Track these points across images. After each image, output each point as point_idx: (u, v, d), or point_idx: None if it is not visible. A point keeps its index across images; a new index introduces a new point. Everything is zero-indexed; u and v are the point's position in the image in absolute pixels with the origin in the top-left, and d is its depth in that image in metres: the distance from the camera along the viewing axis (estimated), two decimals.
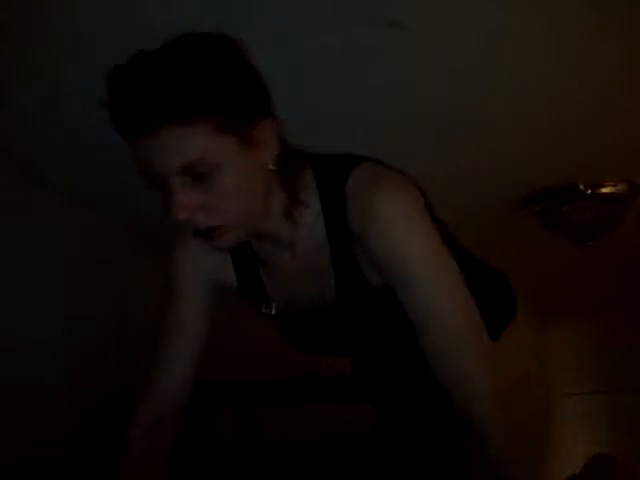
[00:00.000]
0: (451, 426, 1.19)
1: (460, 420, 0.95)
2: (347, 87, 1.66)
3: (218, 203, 0.87)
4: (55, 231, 2.01)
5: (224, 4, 1.31)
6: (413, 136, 1.93)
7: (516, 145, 2.03)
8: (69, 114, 1.67)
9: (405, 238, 0.90)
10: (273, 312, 1.08)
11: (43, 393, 1.86)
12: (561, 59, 1.57)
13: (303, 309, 1.05)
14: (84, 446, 1.86)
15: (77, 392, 1.99)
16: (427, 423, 1.25)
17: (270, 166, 0.92)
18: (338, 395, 2.09)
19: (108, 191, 2.10)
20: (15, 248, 1.85)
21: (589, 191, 2.31)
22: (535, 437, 1.07)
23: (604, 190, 2.31)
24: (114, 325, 2.19)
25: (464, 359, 0.91)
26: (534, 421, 1.08)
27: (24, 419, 1.77)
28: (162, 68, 0.81)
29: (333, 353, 1.14)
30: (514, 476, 0.92)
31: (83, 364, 2.06)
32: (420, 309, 0.92)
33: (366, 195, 0.91)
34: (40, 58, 1.43)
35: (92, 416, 1.97)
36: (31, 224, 1.93)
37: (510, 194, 2.40)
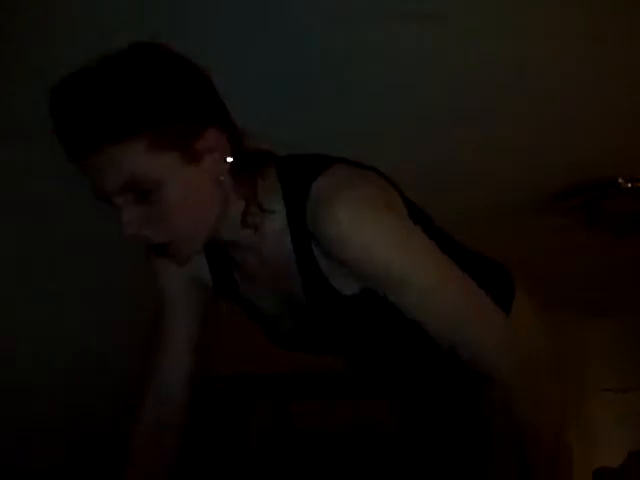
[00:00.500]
0: (455, 418, 1.20)
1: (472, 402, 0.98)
2: (362, 85, 1.66)
3: (164, 219, 0.86)
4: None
5: None
6: (446, 130, 1.92)
7: (551, 138, 2.00)
8: None
9: (366, 241, 0.88)
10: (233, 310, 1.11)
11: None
12: (594, 50, 1.55)
13: (281, 307, 1.05)
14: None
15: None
16: (429, 416, 1.26)
17: (221, 177, 0.89)
18: (373, 390, 2.08)
19: None
20: None
21: (629, 185, 2.27)
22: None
23: None
24: None
25: (471, 328, 0.92)
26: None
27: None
28: (87, 90, 0.81)
29: (313, 351, 1.15)
30: (536, 438, 0.93)
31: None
32: (411, 306, 0.91)
33: (323, 199, 0.88)
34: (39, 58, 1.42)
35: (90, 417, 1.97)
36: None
37: (547, 189, 2.36)
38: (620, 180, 2.27)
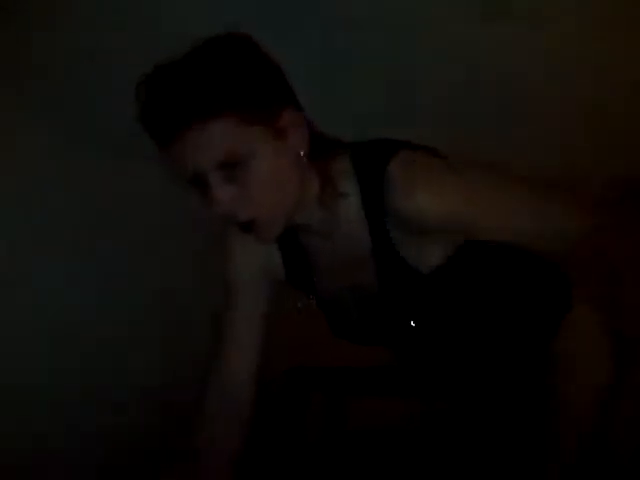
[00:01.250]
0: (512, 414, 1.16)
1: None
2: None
3: (253, 193, 0.89)
4: None
5: None
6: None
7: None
8: None
9: (446, 203, 0.91)
10: (314, 302, 1.10)
11: None
12: None
13: (346, 298, 1.06)
14: None
15: None
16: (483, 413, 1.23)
17: (302, 152, 0.93)
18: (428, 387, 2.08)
19: None
20: None
21: None
22: None
23: None
24: None
25: (557, 221, 0.90)
26: None
27: None
28: (179, 75, 0.86)
29: (376, 343, 1.12)
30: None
31: None
32: (498, 234, 0.92)
33: (401, 180, 0.91)
34: None
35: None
36: None
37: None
38: None
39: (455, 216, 0.91)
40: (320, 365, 2.07)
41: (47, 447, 1.59)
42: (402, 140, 0.98)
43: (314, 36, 1.48)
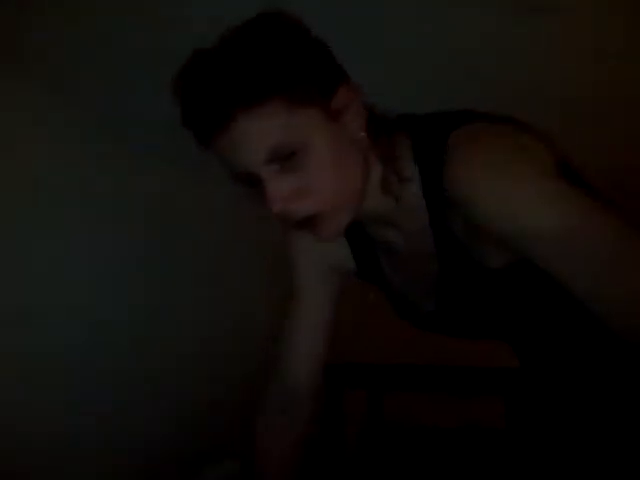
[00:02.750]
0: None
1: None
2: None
3: (312, 184, 0.80)
4: None
5: None
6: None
7: None
8: None
9: (511, 193, 0.74)
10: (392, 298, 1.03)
11: None
12: None
13: (414, 292, 0.98)
14: None
15: None
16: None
17: (361, 133, 0.84)
18: (469, 385, 2.07)
19: None
20: None
21: None
22: None
23: None
24: None
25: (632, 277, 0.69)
26: None
27: None
28: (216, 62, 0.78)
29: (454, 335, 1.05)
30: None
31: None
32: (558, 265, 0.73)
33: (460, 160, 0.78)
34: None
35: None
36: None
37: None
38: None
39: (513, 222, 0.74)
40: (356, 361, 2.07)
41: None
42: (479, 111, 0.84)
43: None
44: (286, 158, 0.78)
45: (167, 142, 1.70)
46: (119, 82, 1.50)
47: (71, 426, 1.52)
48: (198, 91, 0.77)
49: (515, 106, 1.74)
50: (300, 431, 1.07)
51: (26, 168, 1.48)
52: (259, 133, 0.76)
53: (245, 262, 2.19)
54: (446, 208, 0.82)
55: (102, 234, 1.68)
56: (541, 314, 0.93)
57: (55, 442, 1.46)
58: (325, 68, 0.82)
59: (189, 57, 0.79)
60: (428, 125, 0.85)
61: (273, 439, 1.06)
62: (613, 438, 0.97)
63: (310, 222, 0.82)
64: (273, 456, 1.05)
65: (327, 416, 2.02)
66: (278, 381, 1.07)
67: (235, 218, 2.11)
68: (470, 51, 1.53)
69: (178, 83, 0.79)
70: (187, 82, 0.79)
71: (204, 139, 0.79)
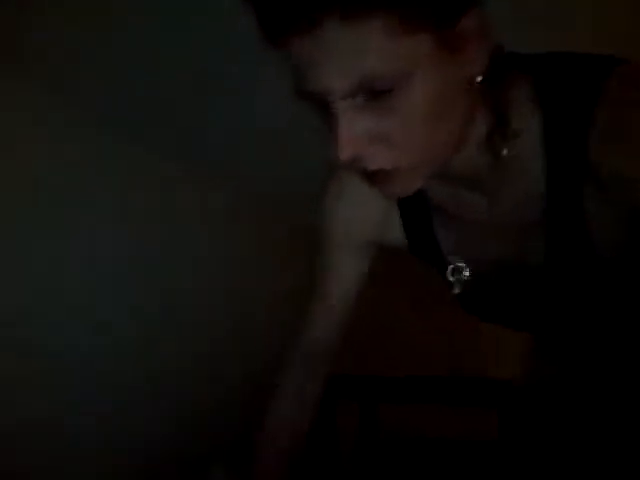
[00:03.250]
0: None
1: None
2: None
3: (401, 133, 0.62)
4: None
5: None
6: None
7: None
8: None
9: None
10: (464, 277, 0.83)
11: None
12: None
13: (494, 272, 0.82)
14: None
15: None
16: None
17: (479, 78, 0.65)
18: (463, 397, 2.05)
19: None
20: None
21: None
22: None
23: None
24: None
25: None
26: None
27: None
28: None
29: (526, 329, 0.94)
30: None
31: None
32: None
33: (627, 126, 0.61)
34: None
35: None
36: None
37: None
38: None
39: None
40: (349, 373, 2.00)
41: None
42: (611, 57, 0.66)
43: None
44: (375, 94, 0.59)
45: (167, 142, 1.71)
46: (119, 82, 1.50)
47: (71, 426, 1.52)
48: None
49: None
50: (314, 398, 0.97)
51: (26, 168, 1.48)
52: (351, 53, 0.57)
53: (245, 262, 2.18)
54: (582, 176, 0.66)
55: (102, 234, 1.68)
56: (616, 315, 0.81)
57: (55, 442, 1.46)
58: None
59: None
60: (566, 69, 0.68)
61: (283, 415, 0.96)
62: (615, 454, 0.92)
63: (380, 175, 0.66)
64: (278, 439, 0.96)
65: (320, 428, 1.99)
66: (299, 349, 0.96)
67: (235, 218, 2.11)
68: None
69: None
70: None
71: (275, 33, 0.59)
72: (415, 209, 0.84)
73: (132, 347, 1.74)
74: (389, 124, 0.61)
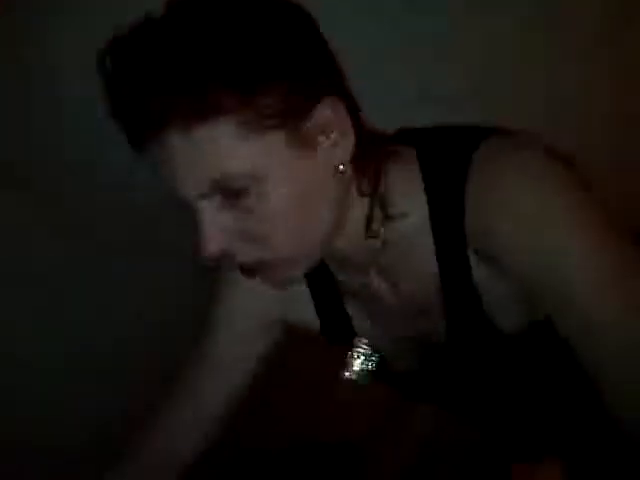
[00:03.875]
0: None
1: None
2: None
3: (263, 231, 0.60)
4: None
5: None
6: None
7: None
8: None
9: (556, 231, 0.57)
10: (374, 359, 0.80)
11: None
12: None
13: (392, 349, 0.80)
14: None
15: None
16: None
17: (342, 167, 0.62)
18: None
19: None
20: None
21: None
22: None
23: None
24: None
25: None
26: None
27: None
28: (155, 45, 0.56)
29: (430, 400, 0.90)
30: None
31: None
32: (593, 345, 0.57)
33: (492, 184, 0.60)
34: None
35: None
36: None
37: None
38: None
39: (548, 257, 0.57)
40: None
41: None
42: (495, 127, 0.66)
43: None
44: (232, 193, 0.58)
45: None
46: None
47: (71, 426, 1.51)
48: (129, 76, 0.56)
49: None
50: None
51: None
52: (199, 159, 0.56)
53: None
54: (466, 247, 0.65)
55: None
56: (540, 391, 0.78)
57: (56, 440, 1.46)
58: (310, 70, 0.59)
59: (129, 29, 0.58)
60: (444, 145, 0.66)
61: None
62: None
63: (255, 268, 0.64)
64: None
65: None
66: (153, 448, 0.84)
67: None
68: None
69: (109, 60, 0.58)
70: (113, 71, 0.58)
71: (132, 143, 0.60)
72: (325, 288, 0.81)
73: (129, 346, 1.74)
74: (250, 222, 0.60)
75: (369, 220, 0.68)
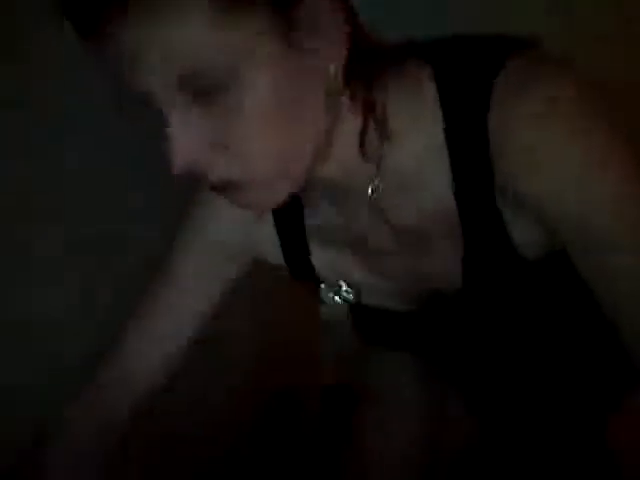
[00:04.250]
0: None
1: None
2: None
3: (239, 139, 0.52)
4: None
5: None
6: None
7: None
8: None
9: (582, 158, 0.53)
10: (351, 300, 0.72)
11: None
12: None
13: (386, 292, 0.71)
14: None
15: None
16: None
17: (332, 69, 0.54)
18: None
19: None
20: None
21: None
22: None
23: None
24: None
25: None
26: None
27: None
28: None
29: (422, 353, 0.83)
30: None
31: None
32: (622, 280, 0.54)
33: (518, 98, 0.54)
34: None
35: None
36: None
37: None
38: None
39: (576, 185, 0.53)
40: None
41: None
42: (503, 36, 0.58)
43: None
44: (205, 92, 0.50)
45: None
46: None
47: None
48: None
49: None
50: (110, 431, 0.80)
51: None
52: (166, 45, 0.47)
53: None
54: (490, 173, 0.57)
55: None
56: (546, 331, 0.73)
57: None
58: None
59: None
60: (465, 55, 0.58)
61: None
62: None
63: (228, 187, 0.55)
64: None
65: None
66: (111, 367, 0.80)
67: None
68: None
69: None
70: None
71: (85, 31, 0.50)
72: (294, 233, 0.73)
73: None
74: (226, 129, 0.51)
75: (362, 138, 0.59)
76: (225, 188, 0.56)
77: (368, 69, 0.57)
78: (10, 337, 1.44)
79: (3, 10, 1.27)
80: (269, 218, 0.74)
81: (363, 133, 0.59)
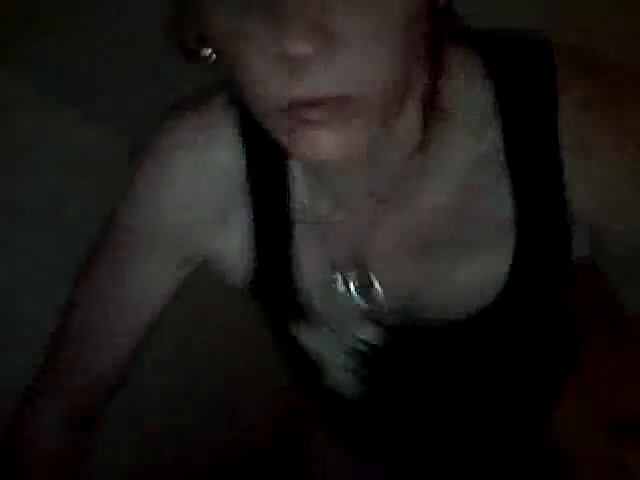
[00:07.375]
0: None
1: None
2: None
3: (359, 39, 0.41)
4: None
5: None
6: None
7: None
8: None
9: None
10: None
11: None
12: None
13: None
14: None
15: None
16: None
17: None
18: None
19: None
20: None
21: None
22: None
23: None
24: None
25: None
26: None
27: None
28: None
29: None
30: None
31: None
32: None
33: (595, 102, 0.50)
34: None
35: None
36: None
37: None
38: None
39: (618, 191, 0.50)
40: None
41: None
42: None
43: None
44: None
45: None
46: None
47: None
48: None
49: None
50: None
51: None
52: None
53: None
54: (559, 167, 0.51)
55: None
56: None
57: None
58: None
59: None
60: (511, 53, 0.52)
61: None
62: None
63: (317, 120, 0.42)
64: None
65: None
66: (58, 388, 0.68)
67: None
68: None
69: None
70: None
71: None
72: (278, 215, 0.58)
73: None
74: (347, 22, 0.39)
75: (426, 109, 0.51)
76: (312, 122, 0.42)
77: (443, 39, 0.51)
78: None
79: None
80: (242, 208, 0.59)
81: (430, 96, 0.50)
